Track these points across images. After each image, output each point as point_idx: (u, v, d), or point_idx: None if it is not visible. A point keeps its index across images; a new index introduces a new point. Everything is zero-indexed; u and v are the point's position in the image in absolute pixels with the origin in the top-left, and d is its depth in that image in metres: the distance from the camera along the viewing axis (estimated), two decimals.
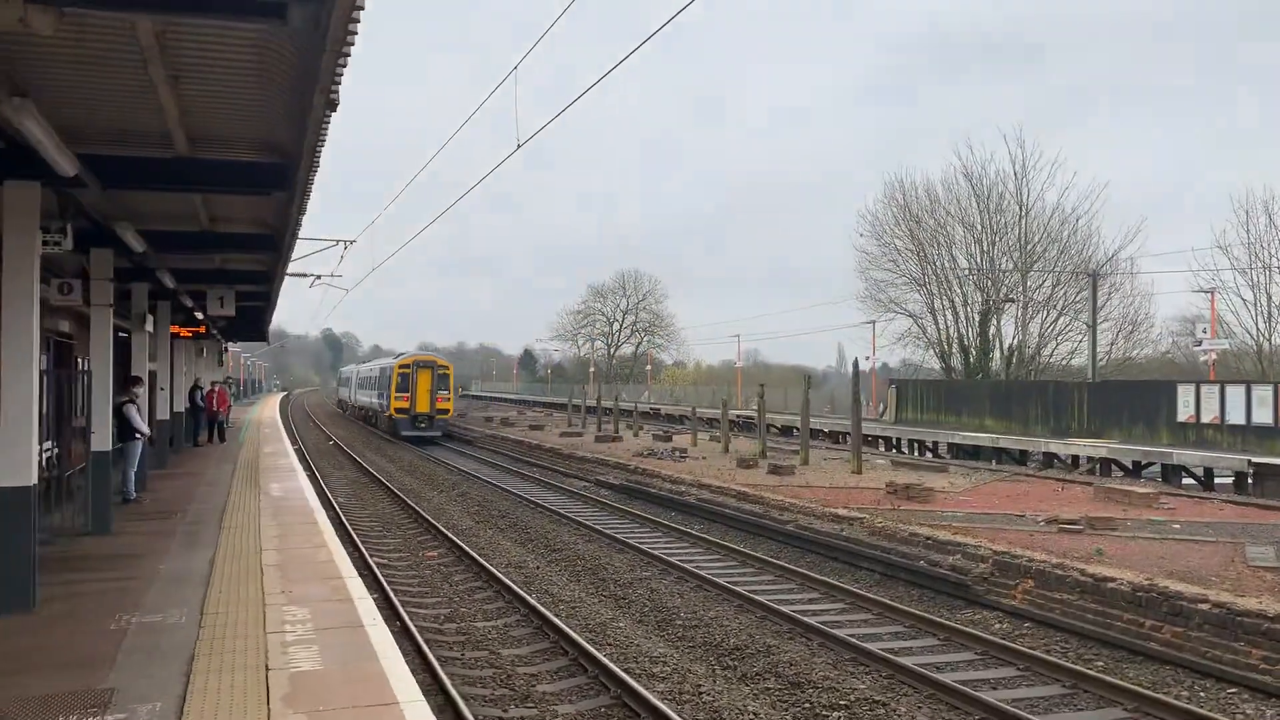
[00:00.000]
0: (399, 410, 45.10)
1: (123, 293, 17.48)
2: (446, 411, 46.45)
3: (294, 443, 35.97)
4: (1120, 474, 28.77)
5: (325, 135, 7.26)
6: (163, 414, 22.09)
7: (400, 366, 45.69)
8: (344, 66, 5.41)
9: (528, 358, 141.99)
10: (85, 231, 11.69)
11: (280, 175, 8.95)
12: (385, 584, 13.97)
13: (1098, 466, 29.75)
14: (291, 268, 34.18)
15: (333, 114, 6.46)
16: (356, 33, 4.89)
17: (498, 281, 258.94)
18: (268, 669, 6.87)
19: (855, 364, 29.81)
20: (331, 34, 4.89)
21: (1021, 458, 33.10)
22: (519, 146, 13.06)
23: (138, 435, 15.97)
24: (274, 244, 13.94)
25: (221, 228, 13.68)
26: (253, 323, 31.31)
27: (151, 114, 7.60)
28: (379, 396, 50.74)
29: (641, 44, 9.10)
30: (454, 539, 18.07)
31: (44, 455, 16.30)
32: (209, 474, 20.57)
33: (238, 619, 8.31)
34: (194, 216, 12.75)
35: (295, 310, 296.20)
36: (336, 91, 5.95)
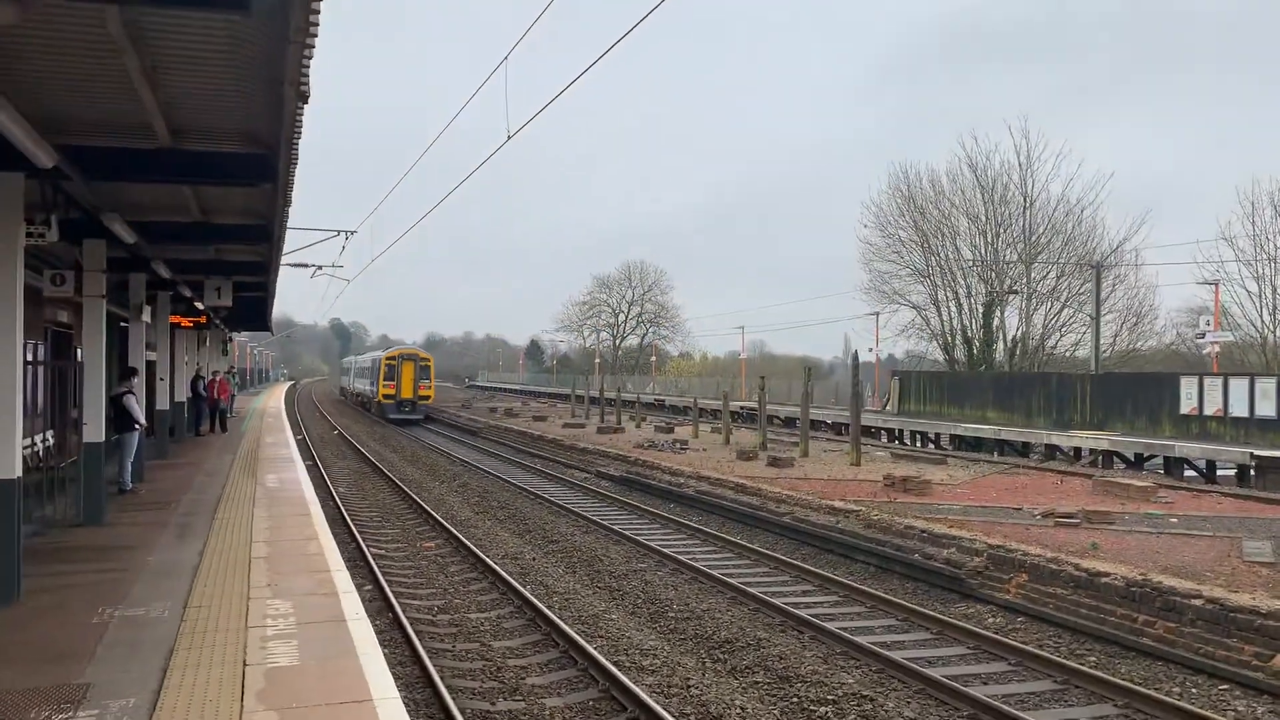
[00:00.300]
0: (386, 396, 52.53)
1: (121, 283, 17.44)
2: (427, 397, 53.66)
3: (297, 433, 35.99)
4: (1122, 466, 28.60)
5: (300, 127, 7.17)
6: (163, 404, 22.06)
7: (387, 359, 53.23)
8: (309, 57, 5.32)
9: (534, 348, 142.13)
10: (76, 222, 11.62)
11: (263, 167, 8.86)
12: (380, 575, 13.93)
13: (1100, 459, 29.60)
14: (293, 258, 34.22)
15: (305, 105, 6.37)
16: (318, 23, 4.80)
17: (505, 273, 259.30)
18: (245, 664, 6.80)
19: (854, 356, 29.69)
20: (293, 23, 4.80)
21: (1023, 450, 32.95)
22: (509, 137, 12.98)
23: (136, 426, 15.94)
24: (266, 235, 13.87)
25: (214, 219, 13.60)
26: (254, 312, 31.31)
27: (130, 105, 7.50)
28: (371, 384, 57.23)
29: (627, 32, 8.99)
30: (452, 530, 18.03)
31: (40, 446, 16.31)
32: (208, 464, 20.54)
33: (220, 613, 8.24)
34: (185, 207, 12.68)
35: (303, 300, 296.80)
36: (306, 83, 5.85)
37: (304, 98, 6.11)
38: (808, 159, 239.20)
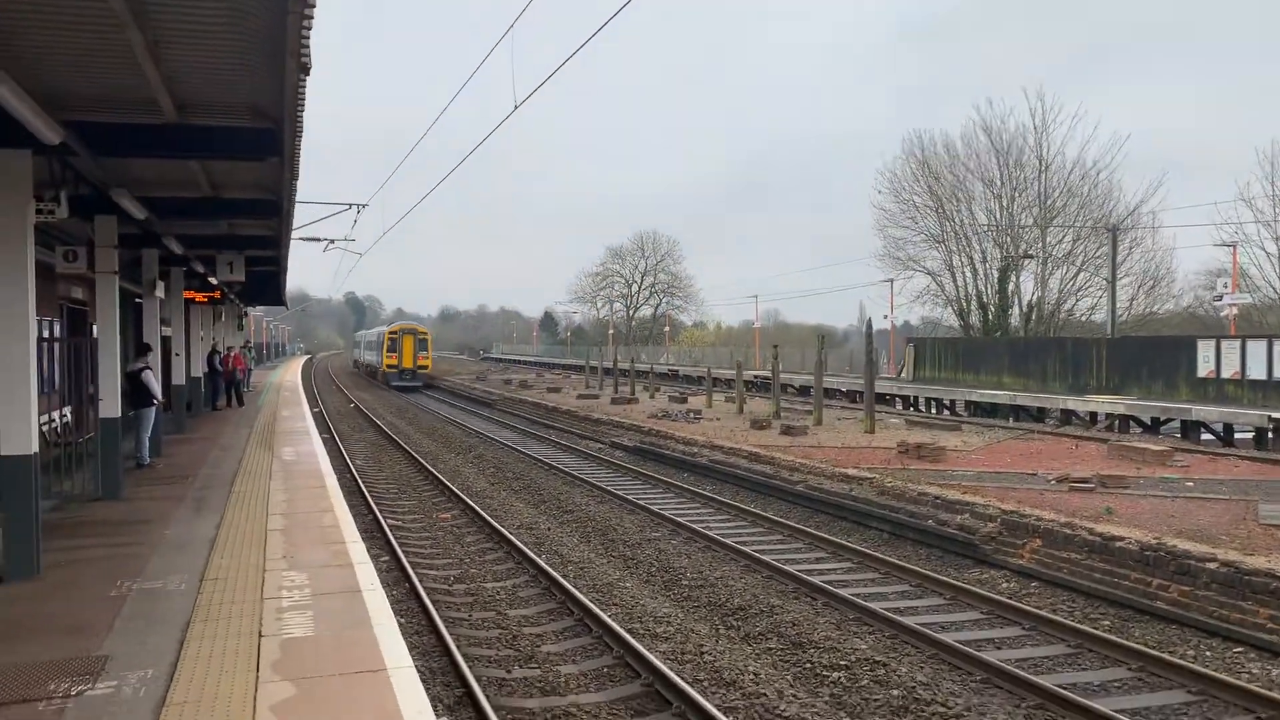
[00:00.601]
0: (389, 366, 59.68)
1: (134, 259, 17.50)
2: (426, 367, 60.80)
3: (314, 406, 36.17)
4: (1139, 430, 28.49)
5: (303, 99, 7.13)
6: (179, 379, 22.19)
7: (390, 333, 60.69)
8: (309, 28, 5.28)
9: (548, 320, 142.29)
10: (86, 199, 11.63)
11: (269, 140, 8.83)
12: (397, 546, 14.02)
13: (1115, 423, 29.48)
14: (305, 232, 34.22)
15: (306, 77, 6.34)
16: None
17: (518, 246, 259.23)
18: (260, 635, 6.87)
19: (868, 324, 29.59)
20: None
21: (1039, 415, 32.83)
22: (515, 108, 12.89)
23: (153, 401, 16.06)
24: (276, 208, 13.87)
25: (224, 193, 13.59)
26: (268, 287, 31.39)
27: (135, 80, 7.47)
28: (376, 356, 64.75)
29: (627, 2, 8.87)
30: (468, 501, 18.11)
31: (59, 421, 16.45)
32: (224, 438, 20.68)
33: (236, 585, 8.32)
34: (195, 182, 12.68)
35: (319, 274, 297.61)
36: (307, 54, 5.81)
37: (305, 69, 6.08)
38: (813, 133, 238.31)
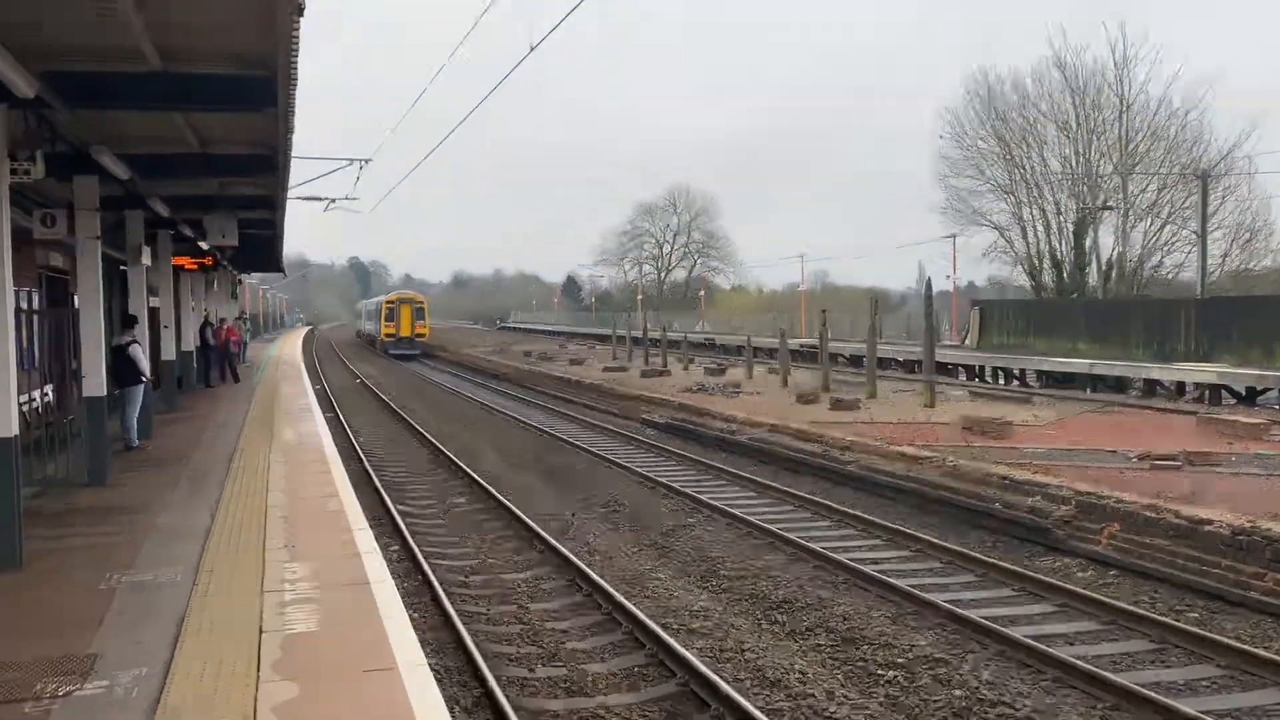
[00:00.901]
0: (388, 335, 66.98)
1: (118, 223, 17.65)
2: (423, 335, 68.14)
3: (315, 382, 36.48)
4: (1232, 402, 28.17)
5: (297, 44, 7.14)
6: (168, 354, 22.43)
7: (387, 303, 68.78)
8: None
9: (571, 285, 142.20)
10: (65, 157, 11.73)
11: (261, 90, 8.85)
12: (408, 535, 14.14)
13: (1206, 393, 29.17)
14: (304, 191, 34.46)
15: (300, 18, 6.34)
16: None
17: (538, 205, 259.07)
18: (261, 632, 6.98)
19: (928, 284, 29.40)
20: None
21: (1119, 385, 32.56)
22: (531, 49, 12.87)
23: (142, 379, 16.26)
24: (271, 165, 13.94)
25: (214, 149, 13.67)
26: (263, 252, 31.60)
27: (116, 25, 7.51)
28: (375, 325, 72.71)
29: None
30: (485, 485, 18.23)
31: (40, 401, 16.72)
32: (219, 417, 20.96)
33: (234, 577, 8.45)
34: (182, 138, 12.75)
35: (320, 237, 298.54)
36: None
37: (299, 9, 6.08)
38: (877, 65, 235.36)
